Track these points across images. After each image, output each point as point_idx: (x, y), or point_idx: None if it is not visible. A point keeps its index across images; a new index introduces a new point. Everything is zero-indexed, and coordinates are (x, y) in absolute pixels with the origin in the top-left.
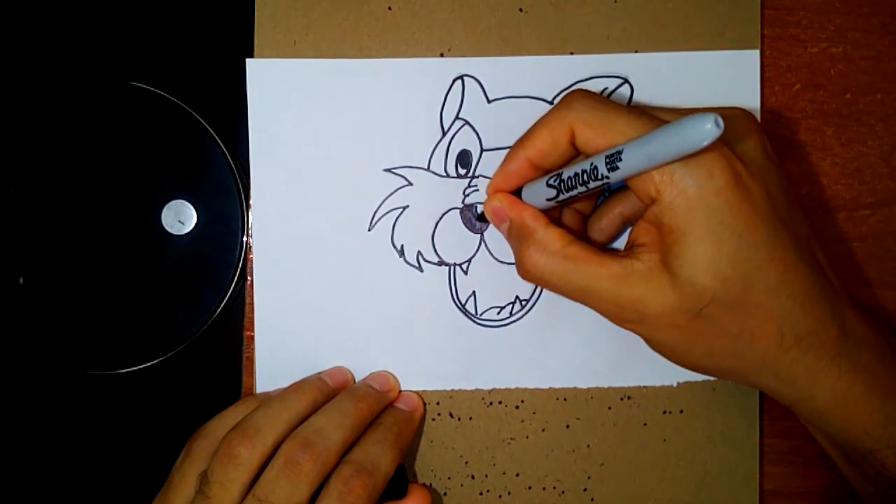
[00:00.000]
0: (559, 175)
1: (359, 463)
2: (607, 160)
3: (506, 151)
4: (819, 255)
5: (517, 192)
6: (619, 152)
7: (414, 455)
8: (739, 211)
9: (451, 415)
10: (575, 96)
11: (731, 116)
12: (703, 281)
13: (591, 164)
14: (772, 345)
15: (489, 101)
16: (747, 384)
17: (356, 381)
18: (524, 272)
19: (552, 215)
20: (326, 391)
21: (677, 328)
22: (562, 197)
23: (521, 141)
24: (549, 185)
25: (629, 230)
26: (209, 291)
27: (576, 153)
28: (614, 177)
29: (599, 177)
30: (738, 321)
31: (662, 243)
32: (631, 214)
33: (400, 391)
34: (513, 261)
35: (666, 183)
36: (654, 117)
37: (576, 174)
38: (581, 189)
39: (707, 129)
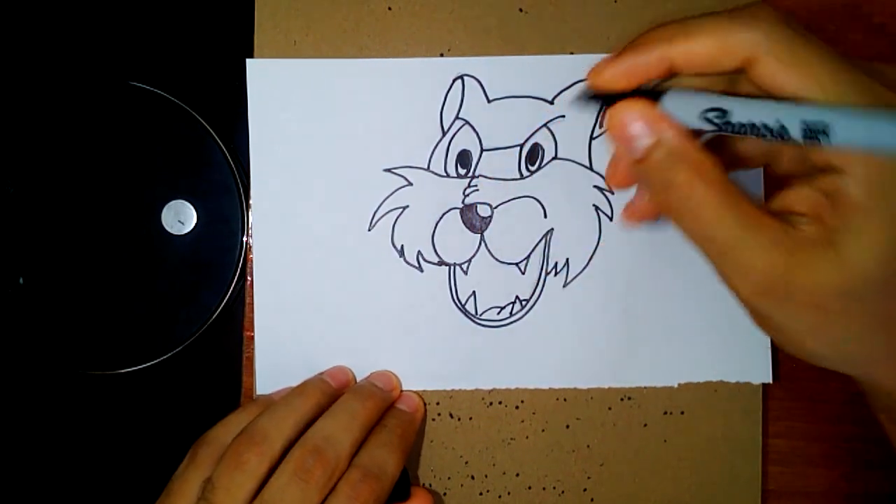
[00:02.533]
0: (725, 114)
1: (366, 467)
2: (806, 130)
3: (506, 151)
4: None
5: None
6: (825, 126)
7: (414, 455)
8: None
9: (451, 415)
10: (766, 14)
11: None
12: (873, 266)
13: (778, 123)
14: None
15: (489, 101)
16: (865, 374)
17: (357, 380)
18: (673, 198)
19: None
20: (330, 392)
21: (823, 310)
22: (710, 135)
23: (668, 33)
24: (705, 119)
25: (782, 192)
26: (209, 291)
27: (735, 74)
28: (808, 145)
29: (786, 139)
30: (885, 307)
31: (834, 216)
32: (744, 163)
33: (401, 391)
34: (513, 261)
35: (859, 153)
36: (867, 77)
37: (753, 126)
38: (745, 135)
39: None
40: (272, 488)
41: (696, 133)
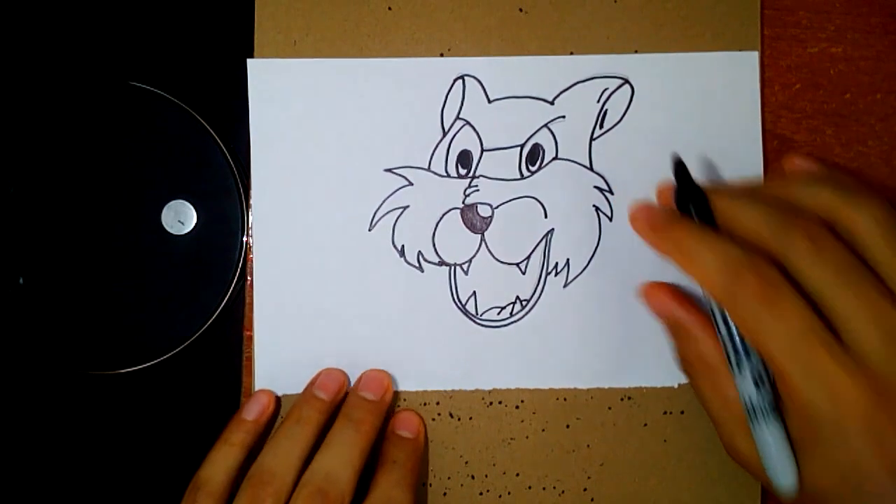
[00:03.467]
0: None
1: None
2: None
3: (506, 151)
4: None
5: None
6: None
7: None
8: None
9: (451, 415)
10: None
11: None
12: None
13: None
14: None
15: (490, 102)
16: None
17: (350, 381)
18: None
19: None
20: (325, 409)
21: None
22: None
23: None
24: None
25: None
26: (209, 291)
27: None
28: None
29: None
30: None
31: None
32: None
33: (397, 406)
34: (513, 261)
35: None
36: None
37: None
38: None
39: (784, 488)
40: None
41: None
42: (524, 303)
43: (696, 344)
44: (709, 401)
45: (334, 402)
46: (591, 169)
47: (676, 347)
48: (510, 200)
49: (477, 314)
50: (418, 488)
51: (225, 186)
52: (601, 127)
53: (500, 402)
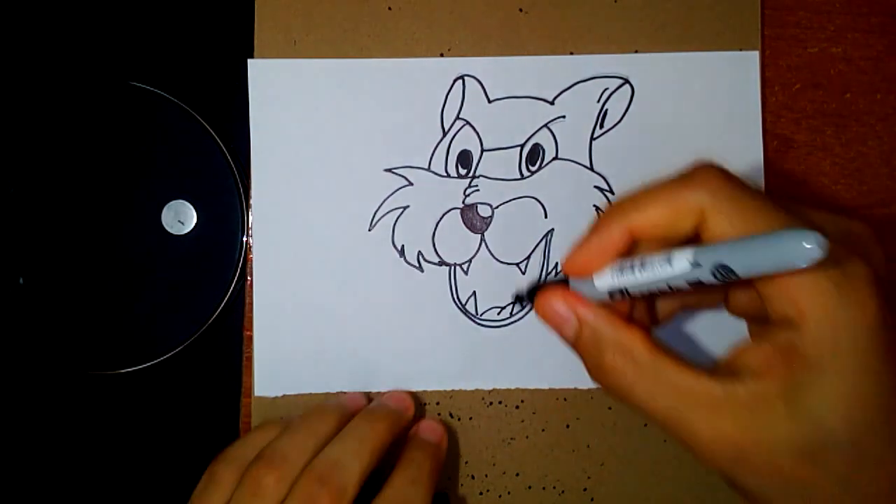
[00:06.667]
0: (630, 266)
1: None
2: (694, 261)
3: (506, 151)
4: None
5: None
6: (720, 262)
7: None
8: (884, 353)
9: (451, 415)
10: (712, 176)
11: (858, 233)
12: (832, 424)
13: (667, 256)
14: (881, 498)
15: (490, 101)
16: None
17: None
18: (607, 380)
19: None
20: (347, 414)
21: (779, 473)
22: (620, 287)
23: (623, 208)
24: (619, 275)
25: (733, 349)
26: (209, 291)
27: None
28: (688, 277)
29: (702, 283)
30: (853, 472)
31: (787, 372)
32: (694, 304)
33: (418, 408)
34: (513, 261)
35: (815, 309)
36: (791, 214)
37: (647, 264)
38: (652, 287)
39: (806, 251)
40: None
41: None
42: (524, 303)
43: (616, 342)
44: (661, 399)
45: (355, 413)
46: (591, 169)
47: (595, 357)
48: (510, 200)
49: (477, 314)
50: (433, 493)
51: (225, 186)
52: (601, 127)
53: (500, 402)
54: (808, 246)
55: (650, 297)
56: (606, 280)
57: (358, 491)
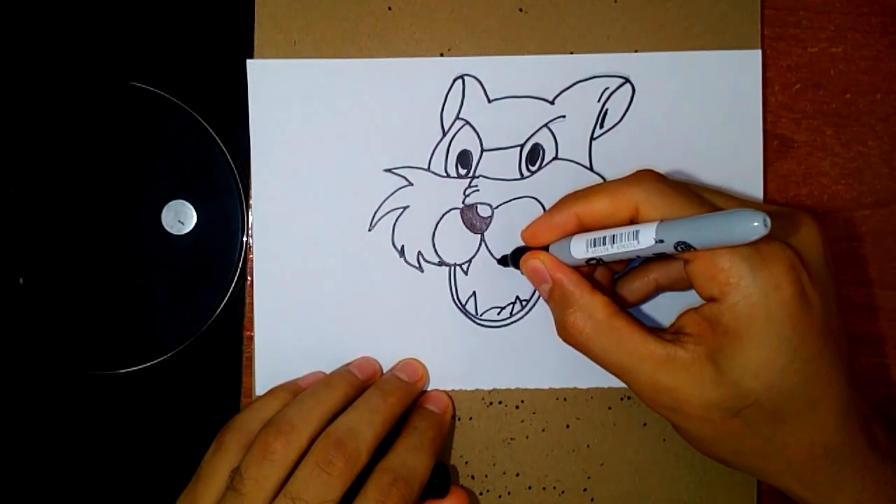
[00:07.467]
0: (603, 239)
1: (396, 471)
2: (657, 237)
3: (506, 151)
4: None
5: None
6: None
7: None
8: (799, 325)
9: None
10: (647, 176)
11: (797, 221)
12: (751, 386)
13: (635, 231)
14: (801, 452)
15: (490, 101)
16: (768, 483)
17: (383, 370)
18: (567, 336)
19: (582, 270)
20: (357, 384)
21: (710, 423)
22: (593, 257)
23: (576, 197)
24: (592, 247)
25: (679, 315)
26: (209, 291)
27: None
28: (652, 250)
29: (655, 255)
30: (773, 427)
31: (713, 339)
32: (667, 283)
33: (428, 381)
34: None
35: (732, 286)
36: (715, 207)
37: (617, 238)
38: (622, 257)
39: (753, 228)
40: (297, 479)
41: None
42: (524, 303)
43: (580, 303)
44: (613, 354)
45: (365, 383)
46: (591, 169)
47: (560, 314)
48: (510, 200)
49: (477, 314)
50: (436, 460)
51: (225, 186)
52: (601, 126)
53: (500, 402)
54: (755, 224)
55: (618, 263)
56: (581, 250)
57: (370, 457)
